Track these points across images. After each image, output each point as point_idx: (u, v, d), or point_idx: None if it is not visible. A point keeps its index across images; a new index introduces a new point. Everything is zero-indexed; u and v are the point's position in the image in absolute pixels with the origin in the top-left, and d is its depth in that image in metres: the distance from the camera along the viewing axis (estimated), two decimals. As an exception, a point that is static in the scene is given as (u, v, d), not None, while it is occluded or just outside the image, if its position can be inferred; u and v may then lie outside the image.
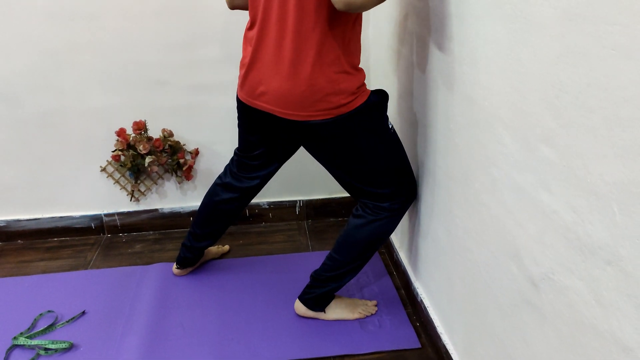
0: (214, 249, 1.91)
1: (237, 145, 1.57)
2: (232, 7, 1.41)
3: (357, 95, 1.26)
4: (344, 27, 1.20)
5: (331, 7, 1.15)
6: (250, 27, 1.29)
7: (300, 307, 1.56)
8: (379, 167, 1.36)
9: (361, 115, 1.28)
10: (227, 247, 1.95)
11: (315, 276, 1.52)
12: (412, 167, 1.52)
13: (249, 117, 1.40)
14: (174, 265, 1.78)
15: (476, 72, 1.06)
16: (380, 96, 1.32)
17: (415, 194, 1.48)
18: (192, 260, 1.77)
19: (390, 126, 1.36)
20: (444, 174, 1.29)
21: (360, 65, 1.28)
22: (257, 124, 1.41)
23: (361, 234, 1.43)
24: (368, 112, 1.29)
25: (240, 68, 1.34)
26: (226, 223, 1.69)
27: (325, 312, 1.55)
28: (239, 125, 1.49)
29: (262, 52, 1.25)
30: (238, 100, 1.40)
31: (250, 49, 1.28)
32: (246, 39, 1.32)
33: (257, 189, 1.61)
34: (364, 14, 1.90)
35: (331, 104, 1.23)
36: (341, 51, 1.21)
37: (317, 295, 1.53)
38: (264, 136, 1.46)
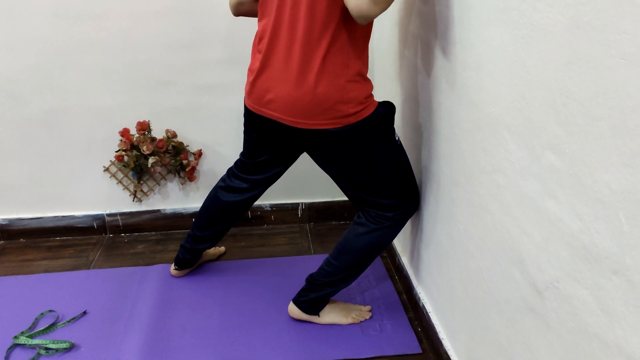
0: (211, 251, 1.91)
1: (241, 150, 1.57)
2: (237, 14, 1.41)
3: (366, 105, 1.26)
4: (353, 37, 1.20)
5: (341, 17, 1.16)
6: (260, 35, 1.29)
7: (294, 310, 1.56)
8: (384, 178, 1.36)
9: (369, 126, 1.28)
10: (223, 248, 1.95)
11: (312, 280, 1.51)
12: (416, 172, 1.51)
13: (256, 124, 1.40)
14: (172, 266, 1.79)
15: (481, 77, 1.05)
16: (388, 108, 1.32)
17: (417, 204, 1.48)
18: (191, 261, 1.77)
19: (397, 138, 1.37)
20: (448, 179, 1.29)
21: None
22: (264, 132, 1.40)
23: (361, 242, 1.43)
24: (376, 124, 1.29)
25: (249, 75, 1.34)
26: (227, 226, 1.70)
27: (319, 316, 1.55)
28: (245, 132, 1.49)
29: (271, 60, 1.25)
30: (245, 107, 1.40)
31: (259, 55, 1.28)
32: (255, 46, 1.32)
33: (260, 192, 1.61)
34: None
35: (340, 113, 1.23)
36: (350, 60, 1.21)
37: (312, 299, 1.52)
38: (270, 144, 1.46)
